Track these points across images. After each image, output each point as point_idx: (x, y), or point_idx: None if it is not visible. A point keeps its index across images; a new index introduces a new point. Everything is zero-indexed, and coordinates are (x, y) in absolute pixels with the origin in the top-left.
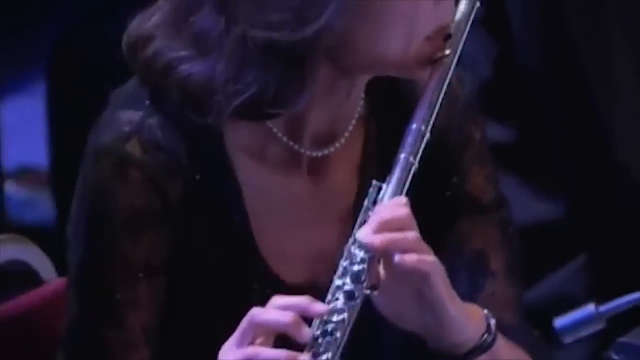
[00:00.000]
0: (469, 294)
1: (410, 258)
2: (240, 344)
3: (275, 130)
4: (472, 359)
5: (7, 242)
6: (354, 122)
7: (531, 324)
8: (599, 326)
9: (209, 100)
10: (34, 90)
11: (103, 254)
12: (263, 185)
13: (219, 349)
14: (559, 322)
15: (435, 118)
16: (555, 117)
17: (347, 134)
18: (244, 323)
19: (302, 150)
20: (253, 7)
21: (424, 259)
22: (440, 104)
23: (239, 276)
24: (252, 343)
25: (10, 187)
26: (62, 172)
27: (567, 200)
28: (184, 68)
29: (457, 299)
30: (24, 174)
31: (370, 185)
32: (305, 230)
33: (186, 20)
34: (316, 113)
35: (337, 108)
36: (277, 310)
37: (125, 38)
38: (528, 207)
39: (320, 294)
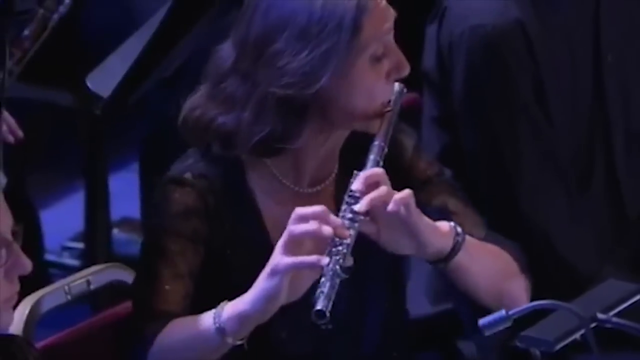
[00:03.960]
0: None
1: (391, 206)
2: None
3: (280, 177)
4: (453, 256)
5: (113, 268)
6: (335, 169)
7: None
8: (508, 324)
9: (235, 139)
10: (131, 167)
11: (163, 227)
12: (275, 210)
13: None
14: (482, 321)
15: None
16: (481, 182)
17: (330, 179)
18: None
19: (301, 189)
20: (272, 74)
21: (397, 199)
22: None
23: (254, 260)
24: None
25: (115, 232)
26: None
27: None
28: (220, 120)
29: (425, 218)
30: (124, 223)
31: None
32: None
33: (217, 89)
34: (309, 162)
35: (324, 158)
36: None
37: (180, 117)
38: None
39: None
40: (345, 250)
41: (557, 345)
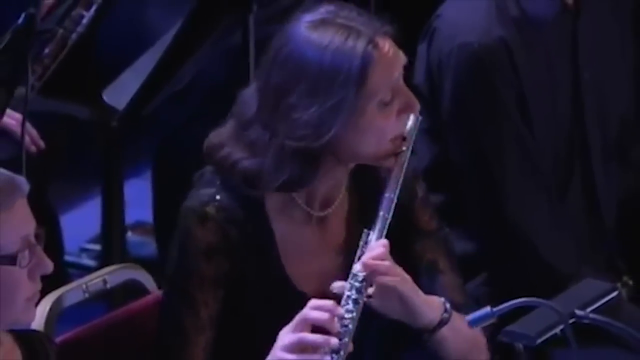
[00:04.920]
0: (429, 288)
1: (384, 279)
2: (294, 329)
3: (297, 199)
4: (439, 329)
5: (127, 268)
6: (342, 192)
7: None
8: (493, 320)
9: (259, 182)
10: (144, 174)
11: (187, 270)
12: (289, 233)
13: (266, 337)
14: (469, 317)
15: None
16: (469, 190)
17: (339, 200)
18: (297, 317)
19: (313, 212)
20: (288, 126)
21: (393, 279)
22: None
23: (274, 291)
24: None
25: (130, 235)
26: (161, 226)
27: (476, 240)
28: (243, 164)
29: (421, 295)
30: (138, 227)
31: (359, 231)
32: (316, 261)
33: (242, 134)
34: (321, 188)
35: (335, 184)
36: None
37: (205, 144)
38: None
39: (327, 298)
40: (347, 340)
41: (538, 339)
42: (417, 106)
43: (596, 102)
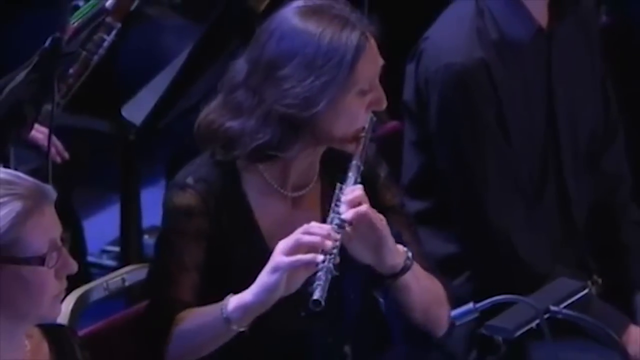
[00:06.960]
0: None
1: (370, 214)
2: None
3: (270, 181)
4: (402, 275)
5: (144, 268)
6: (315, 177)
7: None
8: (475, 315)
9: (239, 141)
10: (159, 182)
11: (170, 228)
12: (265, 209)
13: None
14: (453, 312)
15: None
16: (453, 195)
17: (312, 184)
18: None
19: (287, 193)
20: (278, 94)
21: (376, 216)
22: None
23: (257, 262)
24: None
25: (146, 238)
26: None
27: (459, 242)
28: (227, 124)
29: (392, 239)
30: (153, 230)
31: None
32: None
33: (229, 97)
34: (294, 170)
35: (306, 167)
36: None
37: (197, 121)
38: (438, 246)
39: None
40: (335, 251)
41: (516, 332)
42: (385, 103)
43: (568, 116)
